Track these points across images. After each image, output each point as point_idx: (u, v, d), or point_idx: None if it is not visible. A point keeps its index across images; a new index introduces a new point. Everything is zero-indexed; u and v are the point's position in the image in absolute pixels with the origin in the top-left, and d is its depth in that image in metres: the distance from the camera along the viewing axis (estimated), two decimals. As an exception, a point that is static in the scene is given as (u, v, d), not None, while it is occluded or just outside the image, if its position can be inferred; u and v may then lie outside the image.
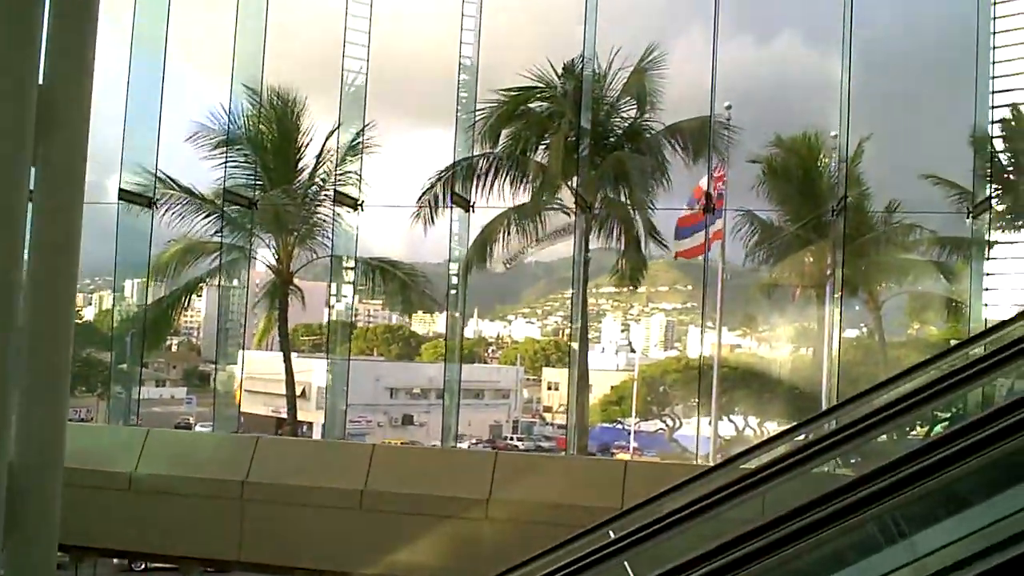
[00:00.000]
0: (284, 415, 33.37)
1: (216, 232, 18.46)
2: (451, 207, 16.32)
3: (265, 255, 18.93)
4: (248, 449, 13.29)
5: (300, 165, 18.65)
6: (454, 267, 17.13)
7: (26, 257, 3.45)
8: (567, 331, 64.90)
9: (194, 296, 19.86)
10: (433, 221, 17.58)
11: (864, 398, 8.12)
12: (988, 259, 17.98)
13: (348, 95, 16.23)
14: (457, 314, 18.98)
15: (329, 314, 19.95)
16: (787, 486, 6.20)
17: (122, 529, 13.00)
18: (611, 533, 7.14)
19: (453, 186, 16.46)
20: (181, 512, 12.84)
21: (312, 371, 37.40)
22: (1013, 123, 17.59)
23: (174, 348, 50.76)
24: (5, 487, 3.12)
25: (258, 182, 18.32)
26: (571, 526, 7.55)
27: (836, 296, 14.94)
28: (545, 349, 51.73)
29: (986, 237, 14.80)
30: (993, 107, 15.60)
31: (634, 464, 12.59)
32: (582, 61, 17.66)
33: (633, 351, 57.74)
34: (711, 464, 12.04)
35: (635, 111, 18.20)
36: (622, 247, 19.02)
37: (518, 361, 47.85)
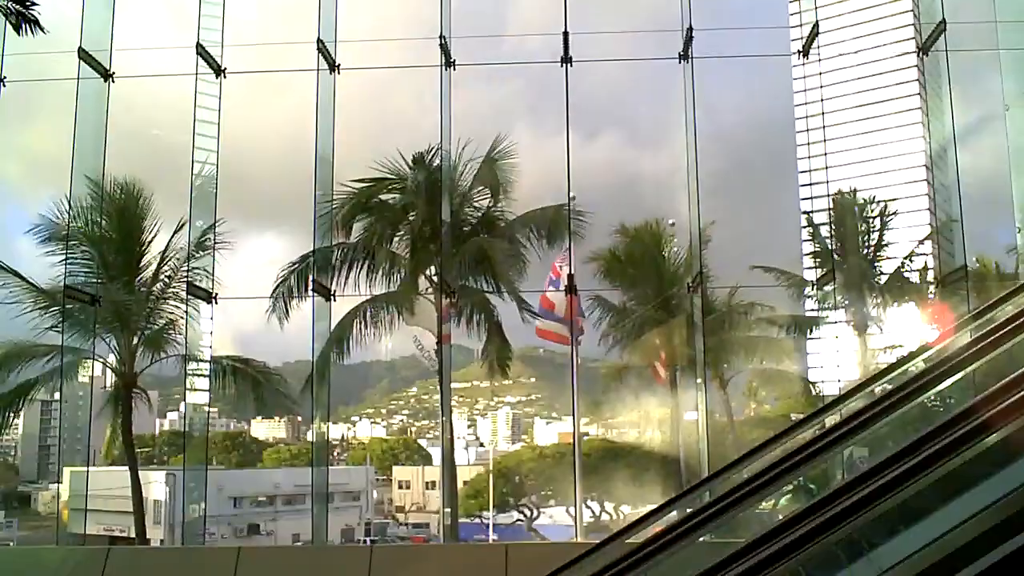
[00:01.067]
0: (119, 533, 31.04)
1: (49, 329, 17.29)
2: (312, 295, 15.99)
3: (106, 357, 17.81)
4: (98, 562, 12.21)
5: (144, 261, 17.86)
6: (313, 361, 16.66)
7: None
8: (414, 429, 64.43)
9: (22, 405, 18.34)
10: (288, 314, 17.23)
11: (729, 471, 8.46)
12: (820, 336, 19.21)
13: (197, 191, 15.78)
14: (301, 416, 18.46)
15: (183, 420, 18.90)
16: (676, 556, 6.37)
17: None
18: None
19: (314, 273, 16.18)
20: (19, 639, 11.64)
21: (148, 484, 35.20)
22: (841, 207, 19.18)
23: (-13, 469, 46.78)
24: None
25: (99, 279, 17.39)
26: None
27: (698, 376, 15.42)
28: (393, 448, 50.92)
29: (826, 312, 15.78)
30: (828, 195, 16.91)
31: (515, 547, 12.38)
32: (431, 152, 18.04)
33: (482, 445, 57.67)
34: (593, 543, 12.03)
35: (487, 200, 18.58)
36: (484, 336, 19.05)
37: (368, 461, 46.76)
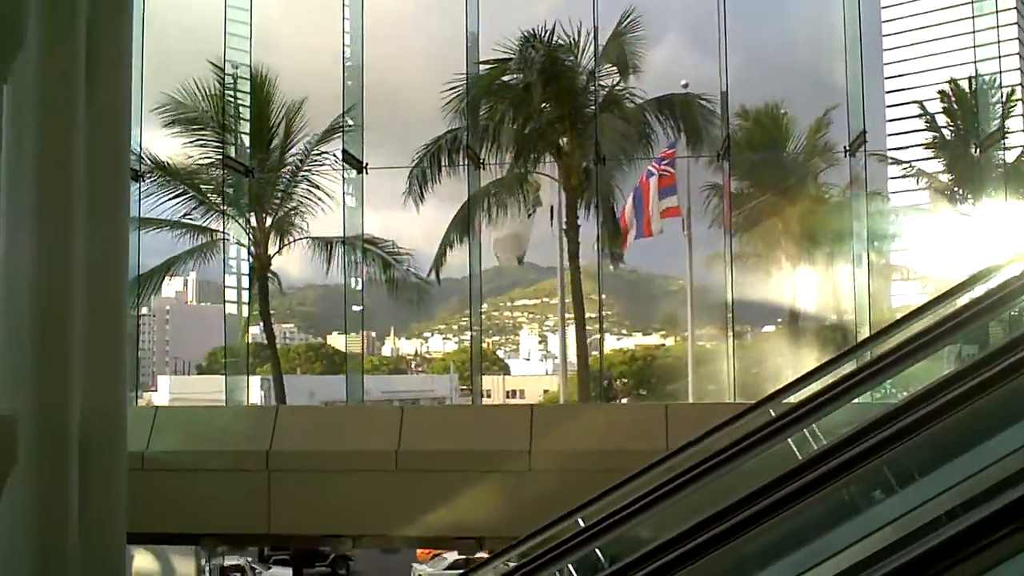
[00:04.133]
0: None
1: (185, 216, 17.59)
2: (465, 164, 16.02)
3: (240, 239, 17.97)
4: (268, 419, 12.65)
5: (274, 144, 17.98)
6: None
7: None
8: (486, 344, 64.87)
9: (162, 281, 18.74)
10: (423, 197, 17.37)
11: (886, 335, 8.35)
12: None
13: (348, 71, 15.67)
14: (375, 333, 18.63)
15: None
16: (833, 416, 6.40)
17: (137, 511, 12.10)
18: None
19: (467, 139, 16.14)
20: (201, 488, 12.07)
21: (241, 388, 36.18)
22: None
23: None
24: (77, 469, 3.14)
25: (218, 156, 17.46)
26: (619, 471, 7.45)
27: (858, 247, 15.09)
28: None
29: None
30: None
31: (674, 407, 12.55)
32: (549, 32, 17.82)
33: (556, 359, 58.16)
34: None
35: (612, 79, 18.30)
36: (600, 220, 18.92)
37: (452, 368, 47.48)
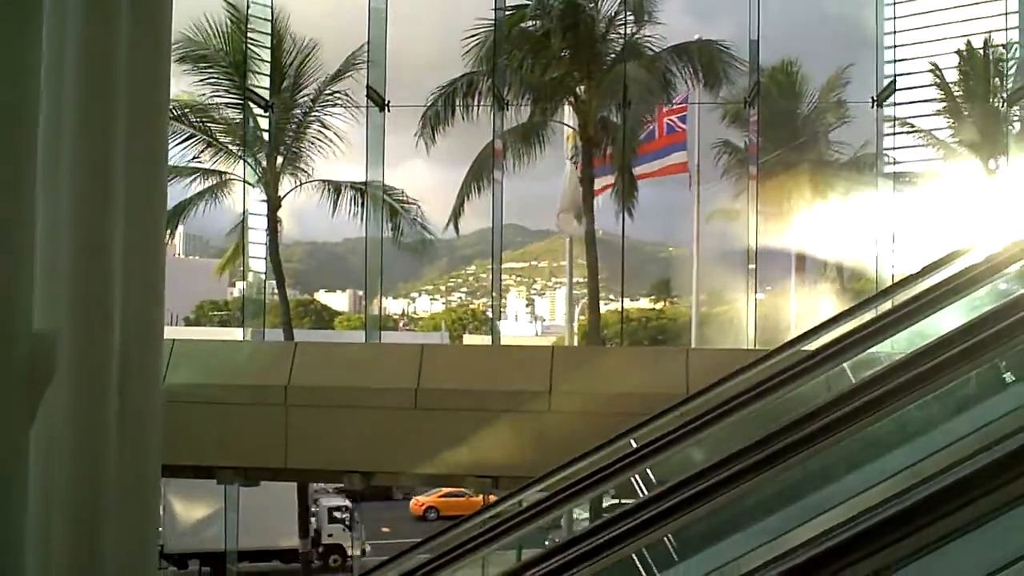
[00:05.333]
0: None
1: (194, 159, 17.33)
2: (486, 106, 15.82)
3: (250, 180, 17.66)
4: (287, 355, 12.51)
5: (284, 84, 17.63)
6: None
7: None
8: (473, 306, 64.85)
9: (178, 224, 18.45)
10: (433, 139, 17.12)
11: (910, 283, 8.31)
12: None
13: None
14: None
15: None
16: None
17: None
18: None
19: (492, 80, 15.87)
20: (218, 421, 11.93)
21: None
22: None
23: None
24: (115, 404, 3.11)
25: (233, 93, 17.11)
26: (639, 414, 7.40)
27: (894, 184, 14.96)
28: (462, 318, 51.58)
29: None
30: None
31: (695, 351, 12.52)
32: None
33: (543, 321, 58.28)
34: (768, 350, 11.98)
35: (631, 27, 18.04)
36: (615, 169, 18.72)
37: (443, 327, 47.46)
